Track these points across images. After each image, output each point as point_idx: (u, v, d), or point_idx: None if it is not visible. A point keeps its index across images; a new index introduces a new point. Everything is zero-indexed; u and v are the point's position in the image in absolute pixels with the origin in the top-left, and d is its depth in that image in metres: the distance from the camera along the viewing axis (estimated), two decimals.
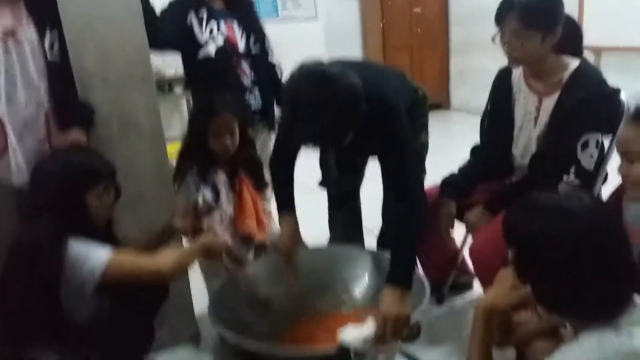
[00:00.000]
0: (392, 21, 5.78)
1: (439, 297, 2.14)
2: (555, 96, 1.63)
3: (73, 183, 1.38)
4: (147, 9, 1.90)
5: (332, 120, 1.33)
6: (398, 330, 1.37)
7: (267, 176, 2.15)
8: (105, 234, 1.51)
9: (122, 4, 1.53)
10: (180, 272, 1.59)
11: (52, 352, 1.29)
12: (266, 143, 2.35)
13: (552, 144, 1.63)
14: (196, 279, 1.99)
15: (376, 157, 1.67)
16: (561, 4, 1.58)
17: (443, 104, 6.04)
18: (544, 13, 1.55)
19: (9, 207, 1.54)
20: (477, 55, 5.27)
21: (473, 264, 1.66)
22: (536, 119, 1.69)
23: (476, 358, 1.10)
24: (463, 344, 1.86)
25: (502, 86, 1.79)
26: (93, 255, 1.34)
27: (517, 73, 1.76)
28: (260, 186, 2.05)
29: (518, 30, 1.55)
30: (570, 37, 1.64)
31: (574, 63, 1.62)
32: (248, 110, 2.19)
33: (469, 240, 1.88)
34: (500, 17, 1.59)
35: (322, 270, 1.89)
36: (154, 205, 1.71)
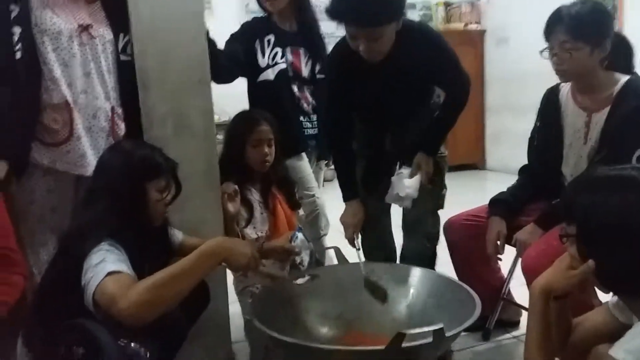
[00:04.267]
0: None
1: (485, 333, 2.04)
2: (605, 111, 1.62)
3: (135, 171, 1.35)
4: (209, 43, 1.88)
5: None
6: (428, 175, 1.86)
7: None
8: (160, 235, 1.49)
9: (186, 9, 1.60)
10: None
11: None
12: (316, 171, 2.38)
13: (605, 160, 1.59)
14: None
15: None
16: (610, 18, 1.60)
17: (479, 164, 6.02)
18: (592, 25, 1.57)
19: (69, 196, 1.60)
20: (512, 117, 5.30)
21: (527, 279, 1.58)
22: (586, 135, 1.67)
23: (536, 342, 1.02)
24: None
25: (550, 104, 1.78)
26: (100, 266, 1.17)
27: (565, 90, 1.75)
28: (293, 204, 2.05)
29: (566, 42, 1.56)
30: (621, 54, 1.64)
31: (624, 78, 1.61)
32: (302, 134, 2.23)
33: (519, 263, 1.80)
34: (549, 31, 1.61)
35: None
36: (202, 208, 1.71)
